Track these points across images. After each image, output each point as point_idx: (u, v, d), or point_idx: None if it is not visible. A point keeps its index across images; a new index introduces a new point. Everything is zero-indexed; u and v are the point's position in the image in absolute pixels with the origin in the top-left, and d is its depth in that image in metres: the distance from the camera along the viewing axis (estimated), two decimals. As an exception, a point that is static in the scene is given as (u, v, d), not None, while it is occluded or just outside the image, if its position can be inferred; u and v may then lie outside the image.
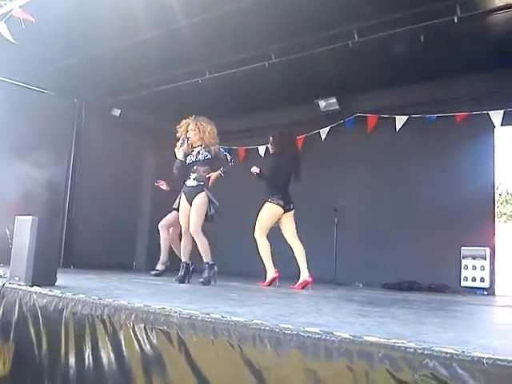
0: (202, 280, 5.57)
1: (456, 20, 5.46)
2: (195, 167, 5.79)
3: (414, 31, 5.78)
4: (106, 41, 6.66)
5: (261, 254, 6.11)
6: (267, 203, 6.15)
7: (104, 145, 9.01)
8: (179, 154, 5.85)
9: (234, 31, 6.25)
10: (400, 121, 7.58)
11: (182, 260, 5.87)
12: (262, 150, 9.09)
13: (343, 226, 7.40)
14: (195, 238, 5.68)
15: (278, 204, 6.11)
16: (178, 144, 5.89)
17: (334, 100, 8.18)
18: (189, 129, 5.86)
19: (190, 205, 5.72)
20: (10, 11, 5.76)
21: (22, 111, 7.85)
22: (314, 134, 8.50)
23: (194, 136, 5.82)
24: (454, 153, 7.40)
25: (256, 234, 6.16)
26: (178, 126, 5.98)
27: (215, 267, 5.73)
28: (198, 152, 5.81)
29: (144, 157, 9.90)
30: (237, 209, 8.06)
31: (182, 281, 5.76)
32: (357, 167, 8.09)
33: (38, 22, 5.76)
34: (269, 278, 6.01)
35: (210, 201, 5.76)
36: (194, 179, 5.76)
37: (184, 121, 5.94)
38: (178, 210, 6.05)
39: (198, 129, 5.81)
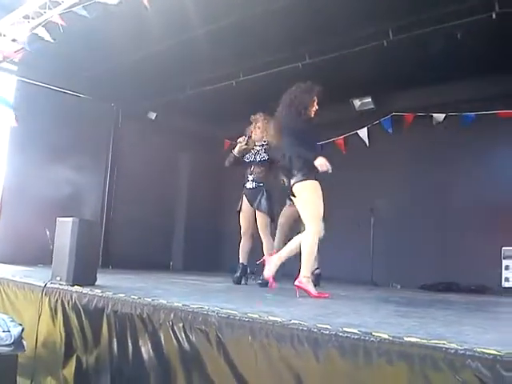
0: (259, 281, 5.57)
1: (494, 16, 5.35)
2: (252, 167, 5.75)
3: (450, 28, 5.69)
4: (141, 46, 6.78)
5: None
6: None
7: (140, 147, 9.16)
8: (235, 149, 5.83)
9: (268, 33, 6.26)
10: (438, 118, 7.48)
11: (240, 261, 5.87)
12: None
13: (380, 226, 7.32)
14: (263, 238, 5.68)
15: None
16: (239, 140, 5.84)
17: (369, 99, 8.11)
18: (257, 125, 5.80)
19: (252, 207, 5.71)
20: (49, 18, 5.94)
21: (62, 116, 8.04)
22: (350, 134, 8.46)
23: (259, 133, 5.77)
24: (493, 151, 7.26)
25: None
26: (251, 119, 5.89)
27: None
28: (258, 152, 5.78)
29: (179, 158, 10.02)
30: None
31: (238, 281, 5.78)
32: (393, 166, 8.00)
33: (75, 29, 5.92)
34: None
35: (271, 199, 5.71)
36: (253, 181, 5.73)
37: (254, 117, 5.87)
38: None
39: (264, 127, 5.73)
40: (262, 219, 5.65)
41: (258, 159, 5.74)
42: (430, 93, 7.58)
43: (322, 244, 6.94)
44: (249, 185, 5.76)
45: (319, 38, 6.45)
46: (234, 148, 5.88)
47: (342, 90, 7.86)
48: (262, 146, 5.77)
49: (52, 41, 6.00)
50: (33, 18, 6.18)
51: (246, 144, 5.78)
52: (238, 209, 5.88)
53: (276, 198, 5.77)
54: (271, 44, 6.66)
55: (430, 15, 5.66)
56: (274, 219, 5.73)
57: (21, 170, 7.74)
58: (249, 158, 5.80)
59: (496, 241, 6.82)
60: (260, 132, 5.75)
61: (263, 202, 5.61)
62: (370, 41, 6.22)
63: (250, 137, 5.78)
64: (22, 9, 6.21)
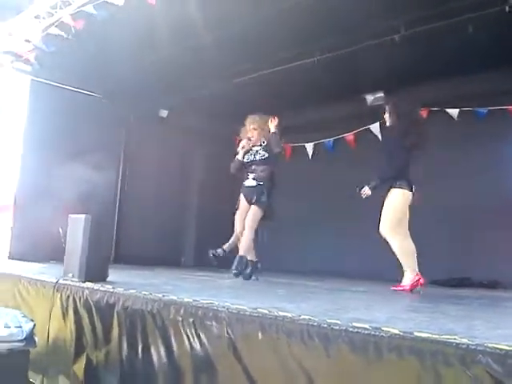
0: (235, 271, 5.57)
1: (507, 9, 5.28)
2: (253, 167, 5.73)
3: (462, 22, 5.62)
4: (153, 48, 6.80)
5: (399, 256, 5.04)
6: (399, 190, 5.05)
7: (152, 146, 9.19)
8: (240, 155, 5.80)
9: (280, 28, 6.22)
10: (452, 113, 7.42)
11: (249, 258, 5.79)
12: (308, 147, 9.08)
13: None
14: (249, 231, 5.63)
15: (407, 189, 5.07)
16: (241, 144, 5.82)
17: (382, 94, 8.05)
18: (251, 127, 5.80)
19: (250, 205, 5.66)
20: (60, 18, 5.98)
21: (75, 115, 8.07)
22: (363, 129, 8.44)
23: (256, 134, 5.76)
24: (508, 146, 7.18)
25: (388, 232, 5.05)
26: (245, 123, 5.91)
27: (259, 264, 5.77)
28: (257, 151, 5.75)
29: (191, 156, 10.04)
30: (283, 206, 8.06)
31: (248, 277, 5.72)
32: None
33: (89, 31, 5.95)
34: (410, 281, 4.96)
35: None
36: (254, 179, 5.69)
37: (249, 118, 5.88)
38: None
39: (261, 128, 5.75)
40: (256, 212, 5.58)
41: (258, 158, 5.71)
42: (444, 87, 7.50)
43: (328, 240, 6.86)
44: (248, 182, 5.74)
45: (330, 34, 6.41)
46: (237, 153, 5.86)
47: (355, 85, 7.83)
48: (261, 145, 5.74)
49: (67, 37, 6.05)
50: (44, 18, 6.22)
51: (248, 147, 5.76)
52: (236, 208, 5.86)
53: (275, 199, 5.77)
54: (283, 40, 6.63)
55: (441, 9, 5.60)
56: (271, 218, 5.74)
57: (35, 168, 7.78)
58: (248, 158, 5.77)
59: (509, 236, 6.75)
60: (257, 133, 5.74)
61: (264, 198, 5.59)
62: (382, 36, 6.17)
63: (249, 139, 5.76)
64: (32, 9, 6.26)
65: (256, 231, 5.78)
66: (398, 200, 5.04)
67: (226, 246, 6.04)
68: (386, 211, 5.05)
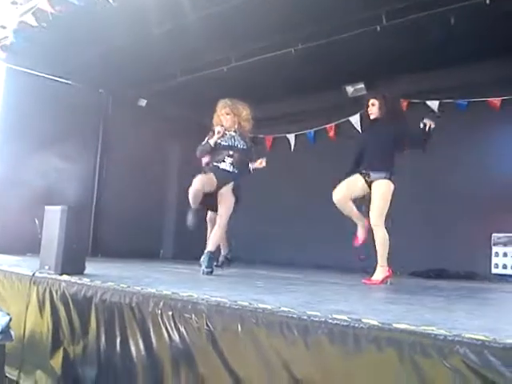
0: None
1: (488, 1, 5.30)
2: (231, 152, 5.51)
3: (444, 13, 5.62)
4: (129, 31, 6.68)
5: (380, 247, 5.11)
6: (387, 182, 5.20)
7: (130, 135, 9.08)
8: (212, 140, 5.53)
9: (260, 18, 6.17)
10: (433, 106, 7.45)
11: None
12: (290, 137, 9.08)
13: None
14: (224, 222, 5.53)
15: (392, 181, 5.22)
16: (216, 130, 5.56)
17: (362, 85, 8.04)
18: (223, 112, 5.65)
19: (217, 189, 5.44)
20: (37, 4, 5.87)
21: (50, 103, 7.92)
22: (342, 120, 8.45)
23: (230, 119, 5.60)
24: (487, 138, 7.24)
25: (377, 223, 5.10)
26: (216, 108, 5.75)
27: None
28: (233, 137, 5.58)
29: (170, 146, 9.95)
30: (262, 197, 8.05)
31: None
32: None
33: (64, 15, 5.84)
34: (382, 276, 5.06)
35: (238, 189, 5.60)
36: (231, 164, 5.50)
37: (220, 103, 5.72)
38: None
39: (233, 113, 5.61)
40: (231, 203, 5.46)
41: (239, 146, 5.56)
42: (425, 79, 7.51)
43: (307, 232, 6.86)
44: (225, 166, 5.50)
45: (311, 23, 6.37)
46: (210, 138, 5.62)
47: (335, 76, 7.82)
48: (236, 132, 5.65)
49: (43, 25, 5.94)
50: (21, 4, 6.10)
51: (223, 133, 5.63)
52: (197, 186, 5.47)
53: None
54: (263, 30, 6.58)
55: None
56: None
57: (9, 158, 7.64)
58: (227, 141, 5.56)
59: (486, 227, 6.83)
60: (230, 118, 5.60)
61: (237, 182, 5.51)
62: (363, 26, 6.13)
63: (222, 125, 5.64)
64: (9, -6, 6.13)
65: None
66: (388, 191, 5.17)
67: (222, 255, 6.11)
68: (378, 201, 5.13)
